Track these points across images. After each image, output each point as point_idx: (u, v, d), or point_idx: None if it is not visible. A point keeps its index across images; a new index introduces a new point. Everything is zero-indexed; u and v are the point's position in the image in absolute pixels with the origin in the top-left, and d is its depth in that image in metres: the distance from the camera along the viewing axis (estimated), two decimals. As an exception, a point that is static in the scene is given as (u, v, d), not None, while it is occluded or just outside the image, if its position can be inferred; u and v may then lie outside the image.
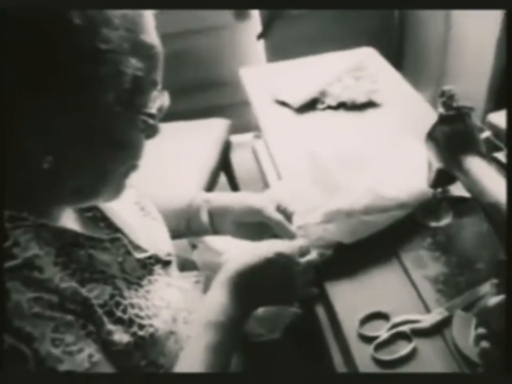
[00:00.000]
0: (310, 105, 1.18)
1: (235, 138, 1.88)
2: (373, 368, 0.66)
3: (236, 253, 0.74)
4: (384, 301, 0.74)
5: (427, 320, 0.70)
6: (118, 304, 0.57)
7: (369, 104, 1.15)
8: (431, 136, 0.75)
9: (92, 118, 0.50)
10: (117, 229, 0.67)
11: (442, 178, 0.78)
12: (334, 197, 0.84)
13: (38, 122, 0.48)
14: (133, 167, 0.60)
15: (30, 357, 0.47)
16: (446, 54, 1.94)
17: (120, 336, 0.55)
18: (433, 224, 0.85)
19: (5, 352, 0.46)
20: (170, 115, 1.95)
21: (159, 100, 0.56)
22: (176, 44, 2.25)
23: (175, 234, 0.86)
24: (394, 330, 0.69)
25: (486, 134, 0.78)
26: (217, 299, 0.67)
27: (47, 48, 0.45)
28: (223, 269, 0.70)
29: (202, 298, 0.82)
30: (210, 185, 1.62)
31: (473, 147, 0.71)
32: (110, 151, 0.54)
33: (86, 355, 0.51)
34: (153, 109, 0.55)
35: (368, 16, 2.22)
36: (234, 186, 1.89)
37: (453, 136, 0.72)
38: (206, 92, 2.35)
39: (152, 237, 0.73)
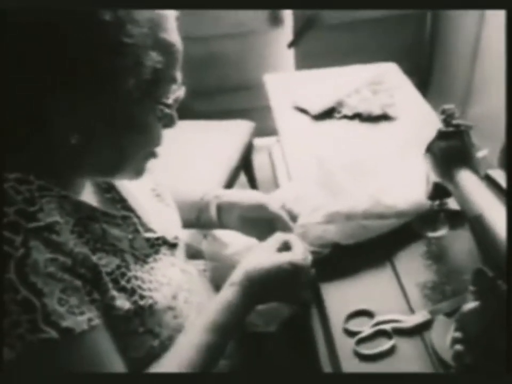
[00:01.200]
0: (327, 114, 1.23)
1: (259, 141, 1.95)
2: (353, 361, 0.71)
3: (252, 255, 0.79)
4: (372, 300, 0.78)
5: (409, 321, 0.75)
6: (123, 275, 0.63)
7: (384, 117, 1.19)
8: (429, 150, 0.79)
9: (114, 104, 0.57)
10: (131, 210, 0.74)
11: (438, 191, 0.83)
12: (336, 200, 0.89)
13: (70, 104, 0.55)
14: (152, 154, 0.67)
15: (38, 309, 0.53)
16: (473, 73, 1.97)
17: (122, 303, 0.62)
18: (429, 234, 0.90)
19: (18, 302, 0.53)
20: (199, 114, 2.04)
21: (177, 92, 0.63)
22: (209, 47, 2.34)
23: (187, 225, 0.92)
24: (377, 328, 0.74)
25: (484, 152, 0.82)
26: (227, 297, 0.72)
27: (79, 42, 0.53)
28: (237, 270, 0.75)
29: (205, 284, 0.89)
30: (230, 184, 1.69)
31: (466, 162, 0.75)
32: (129, 135, 0.61)
33: (86, 318, 0.57)
34: (170, 100, 0.62)
35: (401, 31, 2.26)
36: (253, 186, 1.95)
37: (448, 151, 0.77)
38: (234, 94, 2.42)
39: (163, 220, 0.79)
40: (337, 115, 1.22)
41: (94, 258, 0.60)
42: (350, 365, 0.71)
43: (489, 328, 0.63)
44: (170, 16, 0.60)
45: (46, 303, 0.54)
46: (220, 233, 0.97)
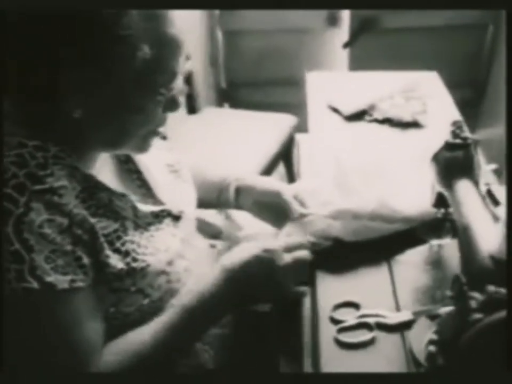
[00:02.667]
0: (358, 116, 1.27)
1: (302, 136, 2.00)
2: (333, 347, 0.76)
3: (235, 250, 0.82)
4: (362, 294, 0.83)
5: (393, 318, 0.79)
6: (119, 238, 0.70)
7: (413, 124, 1.22)
8: (435, 159, 0.82)
9: (113, 87, 0.65)
10: (144, 181, 0.82)
11: (441, 200, 0.85)
12: (346, 200, 0.94)
13: (75, 83, 0.63)
14: (154, 132, 0.74)
15: (26, 261, 0.61)
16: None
17: (115, 262, 0.69)
18: (433, 240, 0.92)
19: (11, 252, 0.61)
20: (252, 105, 2.12)
21: (177, 82, 0.69)
22: (268, 41, 2.40)
23: (208, 203, 1.01)
24: (361, 320, 0.79)
25: (493, 166, 0.84)
26: (208, 286, 0.76)
27: (83, 33, 0.61)
28: (219, 266, 0.78)
29: (213, 258, 0.96)
30: (266, 172, 1.76)
31: (468, 174, 0.78)
32: (128, 116, 0.68)
33: (69, 278, 0.64)
34: (169, 89, 0.68)
35: (460, 41, 2.23)
36: (291, 178, 2.01)
37: (452, 162, 0.80)
38: (287, 89, 2.47)
39: (174, 194, 0.85)
40: (368, 118, 1.26)
41: (92, 220, 0.67)
42: (329, 351, 0.75)
43: (461, 333, 0.66)
44: (171, 12, 0.66)
45: (34, 258, 0.62)
46: (238, 215, 1.04)
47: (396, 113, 1.22)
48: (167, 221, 0.81)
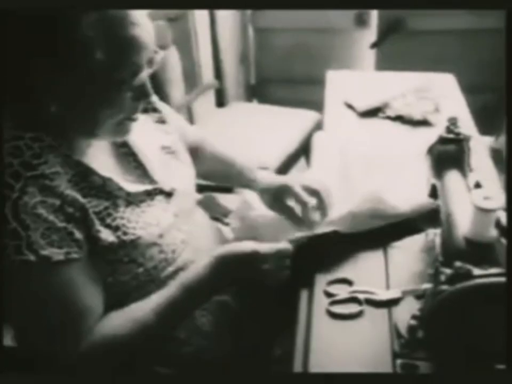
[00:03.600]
0: (372, 113, 1.34)
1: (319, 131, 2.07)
2: (324, 316, 0.84)
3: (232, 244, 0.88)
4: (355, 272, 0.91)
5: (382, 295, 0.86)
6: (109, 214, 0.78)
7: (424, 123, 1.28)
8: (430, 152, 0.89)
9: (76, 82, 0.72)
10: (140, 163, 0.90)
11: (435, 191, 0.92)
12: (346, 196, 1.00)
13: (49, 81, 0.71)
14: (127, 119, 0.80)
15: (23, 238, 0.69)
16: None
17: (106, 236, 0.77)
18: (429, 229, 0.99)
19: (9, 231, 0.69)
20: (280, 100, 2.22)
21: (141, 73, 0.75)
22: (297, 39, 2.48)
23: (225, 177, 1.12)
24: (352, 295, 0.86)
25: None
26: (202, 268, 0.83)
27: (53, 35, 0.68)
28: (215, 253, 0.84)
29: (214, 232, 1.04)
30: (287, 165, 1.84)
31: (457, 166, 0.84)
32: (97, 106, 0.75)
33: (63, 251, 0.72)
34: (129, 82, 0.74)
35: (487, 45, 2.24)
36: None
37: (444, 154, 0.86)
38: (314, 86, 2.55)
39: (169, 173, 0.93)
40: (381, 115, 1.32)
41: (83, 200, 0.75)
42: (321, 320, 0.84)
43: (437, 310, 0.72)
44: (131, 13, 0.71)
45: (30, 235, 0.70)
46: (251, 197, 1.13)
47: (407, 111, 1.28)
48: (159, 197, 0.88)
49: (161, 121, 1.00)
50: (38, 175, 0.72)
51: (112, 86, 0.74)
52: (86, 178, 0.78)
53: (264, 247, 0.83)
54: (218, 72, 2.13)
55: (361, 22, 2.32)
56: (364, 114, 1.34)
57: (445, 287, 0.63)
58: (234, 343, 0.95)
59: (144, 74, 0.77)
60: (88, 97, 0.74)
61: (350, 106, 1.37)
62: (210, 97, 2.21)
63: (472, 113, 1.34)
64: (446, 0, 1.00)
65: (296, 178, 1.04)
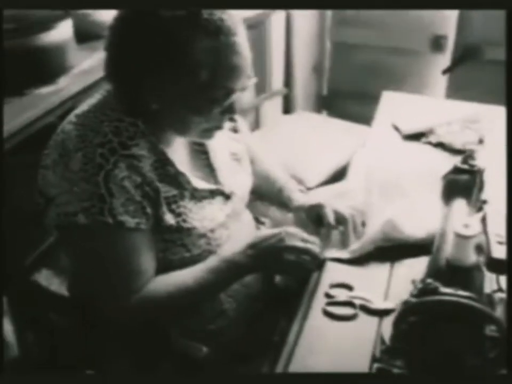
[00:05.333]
0: (416, 137, 1.39)
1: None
2: (319, 314, 0.92)
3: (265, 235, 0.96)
4: (359, 280, 0.97)
5: (377, 304, 0.92)
6: (175, 202, 0.92)
7: (464, 153, 1.30)
8: (443, 179, 0.94)
9: (177, 92, 0.84)
10: (210, 162, 1.03)
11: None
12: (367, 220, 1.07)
13: (154, 82, 0.84)
14: (214, 128, 0.93)
15: (108, 203, 0.83)
16: None
17: (169, 218, 0.90)
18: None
19: (97, 197, 0.82)
20: (346, 115, 2.29)
21: (233, 96, 0.86)
22: (374, 57, 2.52)
23: (267, 195, 1.22)
24: (349, 299, 0.94)
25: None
26: (234, 257, 0.93)
27: (171, 48, 0.81)
28: (249, 241, 0.94)
29: (251, 232, 1.15)
30: (335, 177, 1.91)
31: (465, 196, 0.89)
32: (188, 115, 0.88)
33: (136, 221, 0.86)
34: (221, 101, 0.85)
35: None
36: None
37: (455, 183, 0.91)
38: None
39: (232, 177, 1.05)
40: (423, 140, 1.37)
41: (158, 184, 0.89)
42: (315, 316, 0.92)
43: (399, 320, 0.75)
44: (237, 44, 0.82)
45: (113, 202, 0.84)
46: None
47: (449, 139, 1.32)
48: (219, 198, 1.01)
49: (235, 130, 1.12)
50: (130, 155, 0.86)
51: (205, 101, 0.86)
52: (164, 166, 0.91)
53: (292, 229, 0.93)
54: (288, 80, 2.23)
55: (438, 47, 2.32)
56: (407, 137, 1.39)
57: (413, 299, 0.70)
58: (251, 329, 1.06)
59: (235, 96, 0.88)
60: (184, 105, 0.87)
61: (396, 128, 1.43)
62: (278, 103, 2.32)
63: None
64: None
65: (330, 201, 1.09)
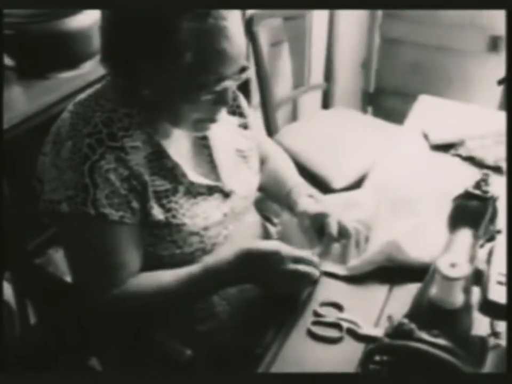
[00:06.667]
0: (445, 148, 1.29)
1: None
2: (302, 333, 0.87)
3: (260, 241, 0.95)
4: (353, 301, 0.92)
5: (365, 330, 0.87)
6: (166, 196, 0.89)
7: (495, 169, 1.20)
8: (453, 202, 0.86)
9: (166, 78, 0.82)
10: (213, 158, 0.99)
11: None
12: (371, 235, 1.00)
13: (144, 66, 0.82)
14: (208, 120, 0.90)
15: (91, 193, 0.82)
16: None
17: (157, 213, 0.88)
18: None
19: (81, 187, 0.82)
20: (392, 113, 2.20)
21: (225, 83, 0.83)
22: (422, 54, 2.39)
23: (275, 196, 1.16)
24: (336, 320, 0.88)
25: None
26: (225, 258, 0.89)
27: (155, 32, 0.79)
28: (242, 246, 0.88)
29: (255, 234, 1.11)
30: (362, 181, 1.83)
31: (473, 225, 0.81)
32: (179, 103, 0.85)
33: (119, 214, 0.84)
34: (210, 89, 0.82)
35: None
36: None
37: (465, 209, 0.83)
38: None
39: (235, 175, 1.01)
40: (453, 152, 1.27)
41: (148, 178, 0.87)
42: (298, 336, 0.87)
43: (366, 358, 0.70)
44: (227, 28, 0.79)
45: (97, 193, 0.83)
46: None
47: (481, 153, 1.22)
48: (217, 195, 0.97)
49: (244, 126, 1.08)
50: (118, 147, 0.85)
51: (194, 87, 0.83)
52: (160, 159, 0.90)
53: (288, 249, 0.87)
54: (328, 74, 2.15)
55: (494, 48, 2.16)
56: (435, 147, 1.30)
57: (386, 339, 0.64)
58: (238, 336, 1.02)
59: (227, 84, 0.85)
60: (173, 91, 0.85)
61: (425, 136, 1.33)
62: (318, 97, 2.25)
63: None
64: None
65: (337, 211, 1.02)
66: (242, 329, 1.03)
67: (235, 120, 1.07)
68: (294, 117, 2.35)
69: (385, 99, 2.66)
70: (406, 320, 0.63)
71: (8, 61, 1.31)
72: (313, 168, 1.86)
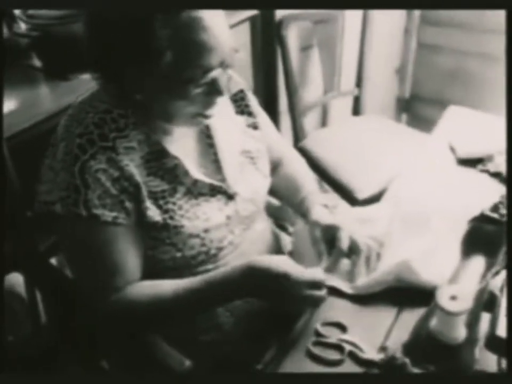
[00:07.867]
0: (472, 162, 1.22)
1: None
2: (301, 353, 0.84)
3: (269, 257, 0.89)
4: (357, 320, 0.88)
5: (368, 354, 0.82)
6: (163, 197, 0.87)
7: (525, 188, 1.13)
8: (468, 224, 0.81)
9: (154, 79, 0.80)
10: (218, 158, 0.96)
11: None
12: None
13: (132, 69, 0.80)
14: (201, 115, 0.87)
15: (82, 194, 0.81)
16: None
17: (153, 214, 0.86)
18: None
19: (72, 188, 0.81)
20: (427, 121, 2.13)
21: (213, 74, 0.81)
22: (458, 61, 2.30)
23: (289, 201, 1.12)
24: (338, 342, 0.84)
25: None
26: (229, 273, 0.85)
27: (132, 32, 0.77)
28: (250, 261, 0.84)
29: (264, 241, 1.07)
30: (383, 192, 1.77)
31: (487, 253, 0.75)
32: (170, 100, 0.82)
33: (112, 215, 0.83)
34: (198, 81, 0.80)
35: None
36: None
37: (479, 233, 0.77)
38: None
39: (240, 176, 0.98)
40: (480, 167, 1.20)
41: (140, 178, 0.85)
42: (298, 357, 0.83)
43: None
44: (203, 18, 0.77)
45: (88, 193, 0.82)
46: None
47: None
48: (220, 196, 0.94)
49: (254, 126, 1.05)
50: (109, 147, 0.84)
51: (181, 83, 0.81)
52: (159, 159, 0.88)
53: (298, 272, 0.82)
54: (360, 80, 2.09)
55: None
56: (462, 162, 1.23)
57: (374, 369, 0.60)
58: (240, 349, 0.99)
59: (214, 74, 0.82)
60: (162, 90, 0.83)
61: (452, 149, 1.27)
62: (349, 103, 2.19)
63: None
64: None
65: (351, 225, 0.97)
66: (245, 341, 1.00)
67: (243, 119, 1.04)
68: (323, 123, 2.30)
69: (421, 107, 2.57)
70: (399, 355, 0.59)
71: (36, 62, 1.34)
72: (338, 176, 1.81)
